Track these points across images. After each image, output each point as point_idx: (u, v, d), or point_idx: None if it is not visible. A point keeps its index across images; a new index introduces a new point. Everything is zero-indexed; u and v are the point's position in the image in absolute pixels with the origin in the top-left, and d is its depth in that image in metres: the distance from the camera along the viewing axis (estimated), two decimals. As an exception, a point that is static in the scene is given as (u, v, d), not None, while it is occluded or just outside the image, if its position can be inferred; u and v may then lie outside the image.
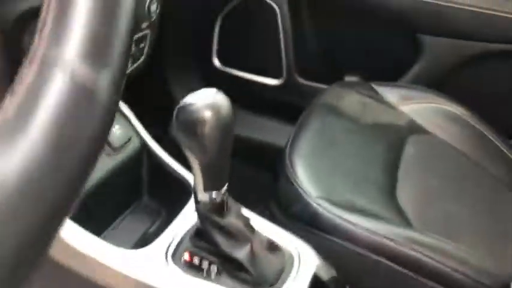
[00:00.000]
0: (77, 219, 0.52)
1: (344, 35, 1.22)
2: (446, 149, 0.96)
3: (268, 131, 1.34)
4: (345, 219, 0.66)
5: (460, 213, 0.76)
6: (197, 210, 0.54)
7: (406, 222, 0.71)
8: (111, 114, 0.24)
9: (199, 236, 0.56)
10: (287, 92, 1.31)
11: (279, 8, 1.22)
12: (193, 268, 0.54)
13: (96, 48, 0.24)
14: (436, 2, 1.07)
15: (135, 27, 0.65)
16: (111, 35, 0.24)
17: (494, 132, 0.99)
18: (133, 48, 0.63)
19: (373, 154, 0.85)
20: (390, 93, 1.04)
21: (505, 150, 0.99)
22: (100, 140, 0.24)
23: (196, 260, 0.55)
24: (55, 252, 0.50)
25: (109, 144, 0.63)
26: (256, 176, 1.36)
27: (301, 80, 1.28)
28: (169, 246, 0.55)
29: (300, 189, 0.69)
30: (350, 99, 0.99)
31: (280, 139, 1.34)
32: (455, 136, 0.98)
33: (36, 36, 0.23)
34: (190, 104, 0.50)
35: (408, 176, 0.84)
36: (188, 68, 1.37)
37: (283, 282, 0.53)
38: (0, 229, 0.20)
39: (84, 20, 0.24)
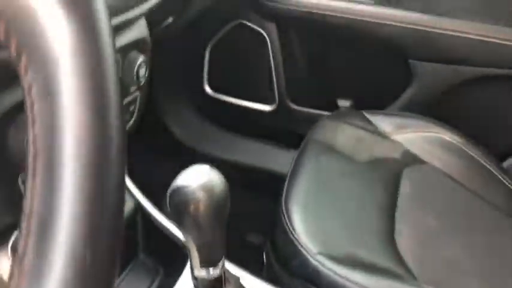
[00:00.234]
0: None
1: (335, 61, 1.22)
2: (442, 179, 0.95)
3: (261, 156, 1.33)
4: (347, 278, 0.65)
5: (460, 258, 0.76)
6: (195, 286, 0.53)
7: (408, 273, 0.70)
8: None
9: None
10: (280, 117, 1.30)
11: (268, 35, 1.21)
12: None
13: None
14: (427, 28, 1.06)
15: (125, 93, 0.64)
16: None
17: (488, 158, 0.99)
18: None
19: (369, 196, 0.84)
20: (384, 123, 1.04)
21: (499, 176, 0.98)
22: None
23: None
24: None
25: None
26: (250, 201, 1.35)
27: (294, 106, 1.27)
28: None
29: (298, 245, 0.69)
30: (343, 133, 0.98)
31: (273, 164, 1.34)
32: (451, 165, 0.98)
33: None
34: (183, 186, 0.49)
35: (406, 217, 0.83)
36: (179, 95, 1.35)
37: None
38: None
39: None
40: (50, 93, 0.24)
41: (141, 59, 0.61)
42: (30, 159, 0.24)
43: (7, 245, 0.51)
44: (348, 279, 0.65)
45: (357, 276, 0.66)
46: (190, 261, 0.52)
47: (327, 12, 1.10)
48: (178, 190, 0.50)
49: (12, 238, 0.52)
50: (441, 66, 1.09)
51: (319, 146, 0.93)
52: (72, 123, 0.24)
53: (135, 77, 0.60)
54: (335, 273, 0.65)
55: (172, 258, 0.65)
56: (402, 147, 1.00)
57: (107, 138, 0.25)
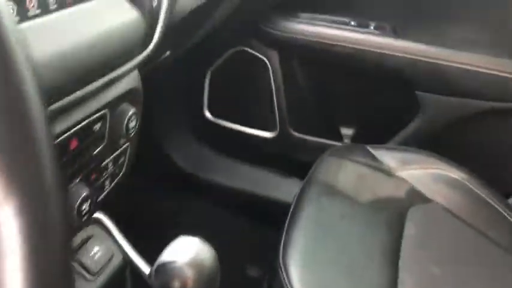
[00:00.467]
0: None
1: (338, 89, 1.18)
2: (446, 219, 0.92)
3: (262, 183, 1.30)
4: None
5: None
6: None
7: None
8: None
9: None
10: (281, 145, 1.27)
11: (270, 62, 1.17)
12: None
13: None
14: (435, 60, 1.03)
15: (112, 147, 0.61)
16: None
17: (494, 195, 0.96)
18: (110, 168, 0.59)
19: (372, 241, 0.81)
20: (388, 158, 1.00)
21: (505, 214, 0.95)
22: None
23: None
24: None
25: (87, 270, 0.59)
26: (250, 229, 1.33)
27: (295, 133, 1.24)
28: None
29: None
30: (345, 171, 0.95)
31: (274, 192, 1.31)
32: (456, 203, 0.95)
33: None
34: (170, 262, 0.46)
35: (409, 264, 0.80)
36: (179, 120, 1.33)
37: None
38: None
39: None
40: None
41: (131, 111, 0.58)
42: None
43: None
44: None
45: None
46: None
47: (332, 42, 1.07)
48: (165, 266, 0.47)
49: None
50: (449, 98, 1.06)
51: (320, 187, 0.90)
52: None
53: (124, 130, 0.57)
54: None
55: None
56: (407, 184, 0.96)
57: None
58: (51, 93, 0.43)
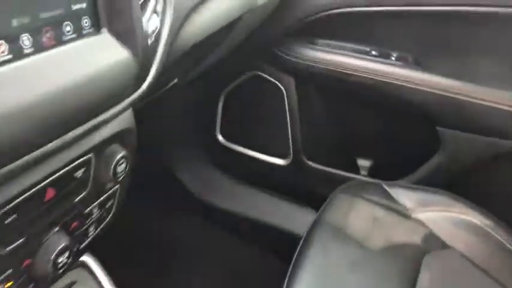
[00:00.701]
0: None
1: (356, 119, 1.13)
2: (464, 268, 0.85)
3: (272, 212, 1.25)
4: None
5: None
6: None
7: None
8: None
9: None
10: (294, 173, 1.22)
11: (285, 88, 1.13)
12: None
13: None
14: (459, 96, 0.96)
15: (97, 192, 0.57)
16: None
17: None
18: (95, 213, 0.55)
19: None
20: (404, 197, 0.94)
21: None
22: None
23: None
24: None
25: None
26: (258, 258, 1.28)
27: (309, 162, 1.19)
28: None
29: None
30: (358, 211, 0.89)
31: (284, 221, 1.25)
32: (475, 250, 0.88)
33: None
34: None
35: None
36: (190, 143, 1.29)
37: None
38: None
39: None
40: None
41: (121, 153, 0.54)
42: None
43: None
44: None
45: None
46: None
47: (350, 72, 1.02)
48: None
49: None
50: (472, 136, 0.99)
51: (330, 228, 0.84)
52: None
53: (111, 175, 0.53)
54: None
55: None
56: (424, 227, 0.90)
57: None
58: (17, 147, 0.39)
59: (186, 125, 1.27)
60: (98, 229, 0.57)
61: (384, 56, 1.03)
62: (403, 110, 1.03)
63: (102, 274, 0.59)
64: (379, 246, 0.84)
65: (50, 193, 0.47)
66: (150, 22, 0.54)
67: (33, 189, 0.44)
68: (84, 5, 0.46)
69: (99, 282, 0.58)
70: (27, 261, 0.48)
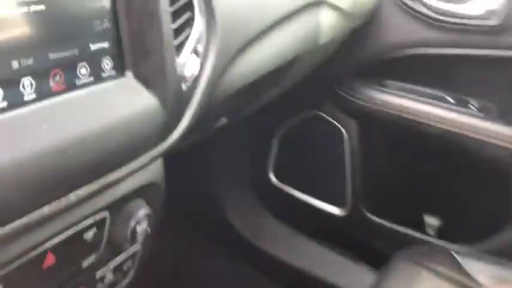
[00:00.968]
0: None
1: (424, 172, 1.00)
2: None
3: (324, 265, 1.14)
4: None
5: None
6: None
7: None
8: None
9: None
10: (351, 225, 1.10)
11: (347, 131, 1.03)
12: None
13: None
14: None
15: (112, 253, 0.50)
16: None
17: None
18: (108, 277, 0.47)
19: None
20: (478, 271, 0.80)
21: None
22: None
23: None
24: None
25: None
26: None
27: (369, 215, 1.07)
28: None
29: None
30: (422, 284, 0.77)
31: (337, 277, 1.14)
32: None
33: None
34: None
35: None
36: (241, 182, 1.21)
37: None
38: None
39: None
40: None
41: (143, 212, 0.47)
42: None
43: None
44: None
45: None
46: None
47: (421, 120, 0.90)
48: None
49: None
50: None
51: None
52: None
53: (129, 235, 0.46)
54: None
55: None
56: (500, 310, 0.76)
57: None
58: (5, 211, 0.32)
59: (237, 161, 1.19)
60: (111, 295, 0.49)
61: (461, 104, 0.91)
62: (482, 167, 0.90)
63: None
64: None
65: (50, 259, 0.40)
66: (187, 64, 0.47)
67: (29, 255, 0.38)
68: (106, 45, 0.39)
69: None
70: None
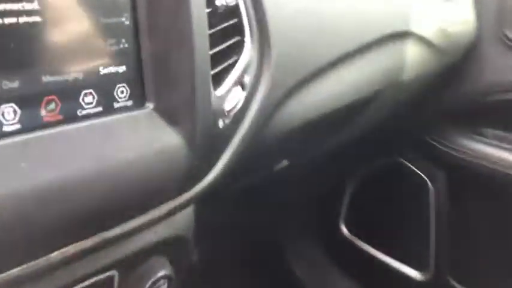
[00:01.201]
0: None
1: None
2: None
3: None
4: None
5: None
6: None
7: None
8: None
9: None
10: (432, 292, 0.95)
11: (433, 184, 0.89)
12: None
13: None
14: None
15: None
16: None
17: None
18: None
19: None
20: None
21: None
22: None
23: None
24: None
25: None
26: None
27: (454, 283, 0.91)
28: None
29: None
30: None
31: None
32: None
33: None
34: None
35: None
36: (308, 230, 1.10)
37: None
38: None
39: None
40: None
41: (161, 272, 0.38)
42: None
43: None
44: None
45: None
46: None
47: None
48: None
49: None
50: None
51: None
52: None
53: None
54: None
55: None
56: None
57: None
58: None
59: (305, 207, 1.09)
60: None
61: None
62: None
63: None
64: None
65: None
66: (228, 97, 0.39)
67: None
68: (121, 69, 0.32)
69: None
70: None
